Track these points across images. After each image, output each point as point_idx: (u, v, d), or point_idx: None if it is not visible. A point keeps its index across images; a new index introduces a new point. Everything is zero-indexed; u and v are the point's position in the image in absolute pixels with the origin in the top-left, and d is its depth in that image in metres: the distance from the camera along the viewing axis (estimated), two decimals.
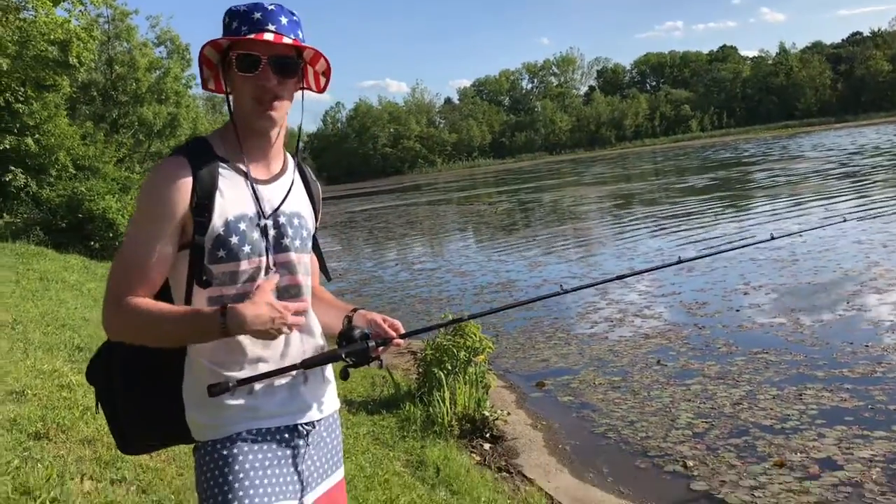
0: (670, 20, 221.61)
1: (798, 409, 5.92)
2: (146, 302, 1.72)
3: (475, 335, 6.55)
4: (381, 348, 1.85)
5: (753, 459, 5.16)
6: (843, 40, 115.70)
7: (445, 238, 22.40)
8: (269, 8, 1.80)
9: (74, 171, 20.45)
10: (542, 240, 18.49)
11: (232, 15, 1.80)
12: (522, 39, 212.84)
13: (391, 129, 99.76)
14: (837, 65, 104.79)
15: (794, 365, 6.92)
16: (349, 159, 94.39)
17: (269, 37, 1.75)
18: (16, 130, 19.98)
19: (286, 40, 1.78)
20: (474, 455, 5.65)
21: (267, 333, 1.69)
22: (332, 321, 1.98)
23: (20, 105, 19.49)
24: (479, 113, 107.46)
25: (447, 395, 6.11)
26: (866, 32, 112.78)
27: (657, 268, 2.88)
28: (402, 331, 1.91)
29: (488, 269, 14.71)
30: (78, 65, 18.23)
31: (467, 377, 6.33)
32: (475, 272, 14.57)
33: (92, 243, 17.04)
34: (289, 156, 1.99)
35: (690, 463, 5.22)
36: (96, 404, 1.94)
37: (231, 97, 1.85)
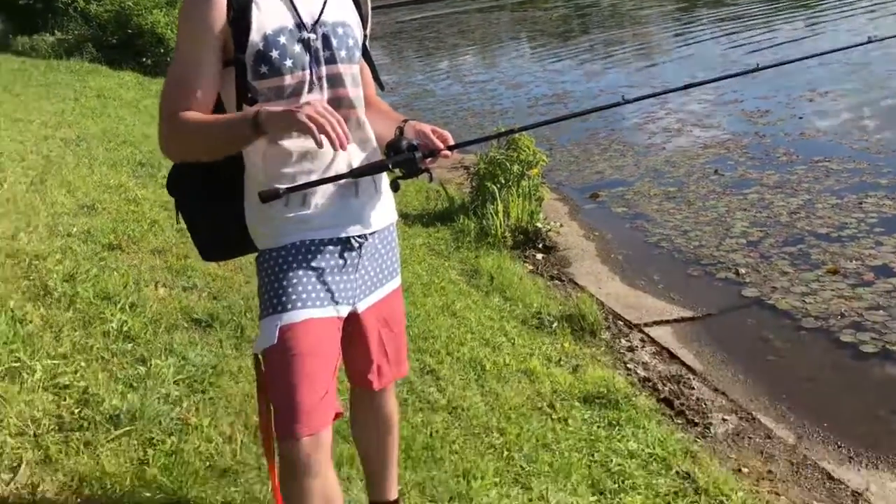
0: None
1: (857, 217, 5.85)
2: (193, 114, 1.73)
3: (528, 148, 6.50)
4: (428, 159, 1.81)
5: (807, 267, 5.19)
6: None
7: (498, 48, 21.70)
8: None
9: None
10: (599, 47, 17.79)
11: None
12: None
13: None
14: None
15: (856, 173, 6.76)
16: None
17: None
18: None
19: None
20: (527, 264, 5.79)
21: (300, 125, 1.60)
22: (386, 131, 1.95)
23: None
24: None
25: (500, 207, 6.16)
26: None
27: (732, 75, 2.63)
28: (451, 142, 1.86)
29: (542, 80, 14.31)
30: None
31: (520, 190, 6.35)
32: (529, 83, 14.20)
33: (144, 59, 16.98)
34: None
35: (742, 270, 5.27)
36: (176, 214, 2.01)
37: None
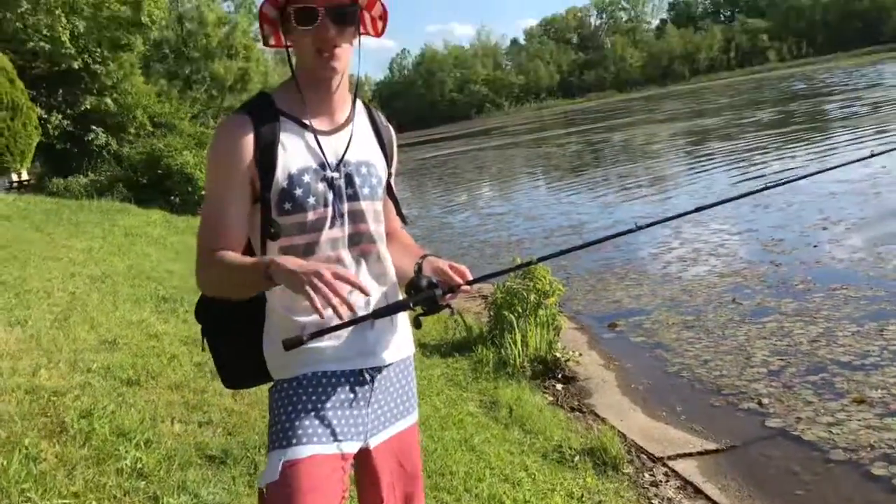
0: None
1: (879, 344, 5.77)
2: (223, 254, 1.80)
3: (545, 278, 6.56)
4: (448, 296, 1.85)
5: (831, 396, 5.09)
6: None
7: (514, 182, 22.29)
8: None
9: (152, 129, 21.04)
10: (612, 180, 18.24)
11: None
12: None
13: (457, 74, 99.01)
14: None
15: (874, 300, 6.73)
16: (417, 106, 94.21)
17: None
18: (95, 91, 20.61)
19: None
20: (547, 395, 5.73)
21: (304, 293, 1.63)
22: (407, 265, 1.98)
23: (98, 66, 20.04)
24: (547, 53, 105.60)
25: (518, 337, 6.17)
26: None
27: (739, 196, 2.68)
28: (469, 277, 1.89)
29: (558, 212, 14.62)
30: (150, 23, 18.62)
31: (538, 319, 6.37)
32: (545, 215, 14.51)
33: (172, 198, 17.58)
34: (358, 103, 2.00)
35: (766, 400, 5.18)
36: (203, 341, 2.05)
37: (291, 51, 1.88)
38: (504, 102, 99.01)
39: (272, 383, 1.92)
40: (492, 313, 6.70)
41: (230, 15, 30.34)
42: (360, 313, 1.81)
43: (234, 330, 1.98)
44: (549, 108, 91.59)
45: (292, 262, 1.68)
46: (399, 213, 2.13)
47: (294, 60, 1.87)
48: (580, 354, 6.48)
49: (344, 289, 1.64)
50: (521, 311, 6.37)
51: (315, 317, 1.78)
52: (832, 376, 5.37)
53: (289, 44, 1.89)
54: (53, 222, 10.94)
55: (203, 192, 1.93)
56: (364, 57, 1.95)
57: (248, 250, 1.89)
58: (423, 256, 1.97)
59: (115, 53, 20.57)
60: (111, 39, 19.42)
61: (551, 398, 5.69)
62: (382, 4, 1.90)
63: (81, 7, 17.38)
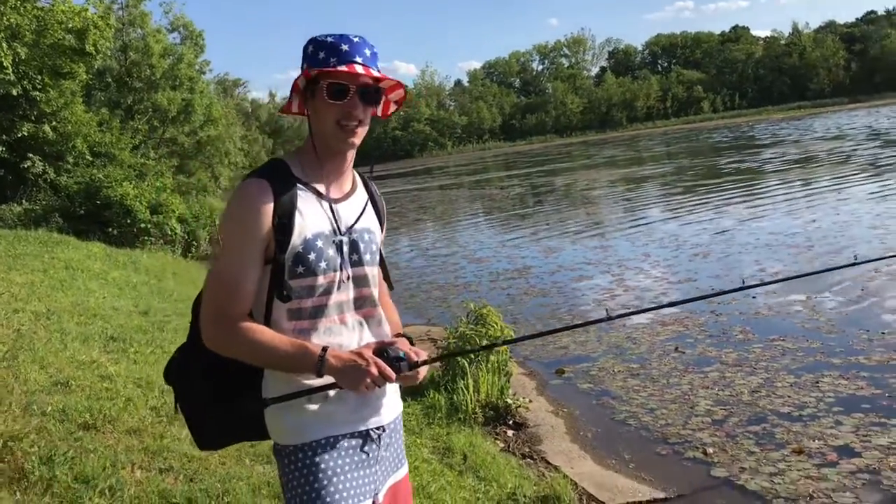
0: (680, 0, 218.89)
1: (815, 396, 6.03)
2: (257, 328, 1.87)
3: (496, 324, 6.69)
4: (410, 371, 1.97)
5: (772, 446, 5.29)
6: (857, 19, 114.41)
7: (459, 223, 22.50)
8: (355, 40, 1.92)
9: (91, 158, 20.60)
10: (555, 224, 18.60)
11: (318, 45, 1.92)
12: (531, 20, 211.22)
13: (401, 113, 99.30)
14: (851, 44, 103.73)
15: (810, 352, 7.03)
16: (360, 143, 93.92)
17: (359, 69, 1.88)
18: (33, 118, 20.11)
19: (374, 73, 1.91)
20: (498, 442, 5.80)
21: (352, 388, 1.88)
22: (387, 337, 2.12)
23: (37, 93, 19.60)
24: (490, 95, 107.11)
25: (470, 382, 6.25)
26: (881, 11, 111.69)
27: (721, 293, 2.85)
28: (425, 356, 2.03)
29: (503, 255, 14.84)
30: (94, 52, 18.36)
31: (489, 365, 6.47)
32: (490, 258, 14.70)
33: (110, 230, 17.23)
34: (356, 173, 2.12)
35: (710, 450, 5.36)
36: (175, 405, 2.08)
37: (310, 120, 1.97)
38: (447, 142, 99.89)
39: (275, 446, 1.97)
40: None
41: (176, 46, 30.06)
42: None
43: (218, 393, 2.01)
44: (491, 150, 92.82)
45: (341, 357, 1.85)
46: (387, 278, 2.22)
47: (314, 129, 1.96)
48: (530, 401, 6.59)
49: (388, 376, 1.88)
50: (473, 356, 6.46)
51: (323, 380, 1.88)
52: (773, 427, 5.58)
53: (308, 113, 1.98)
54: None
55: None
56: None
57: None
58: (399, 335, 2.11)
59: (57, 81, 20.16)
60: (53, 67, 19.05)
61: (503, 444, 5.77)
62: (405, 91, 2.05)
63: (24, 33, 17.05)
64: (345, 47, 1.90)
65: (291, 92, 1.98)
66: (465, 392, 6.17)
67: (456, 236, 19.36)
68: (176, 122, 29.26)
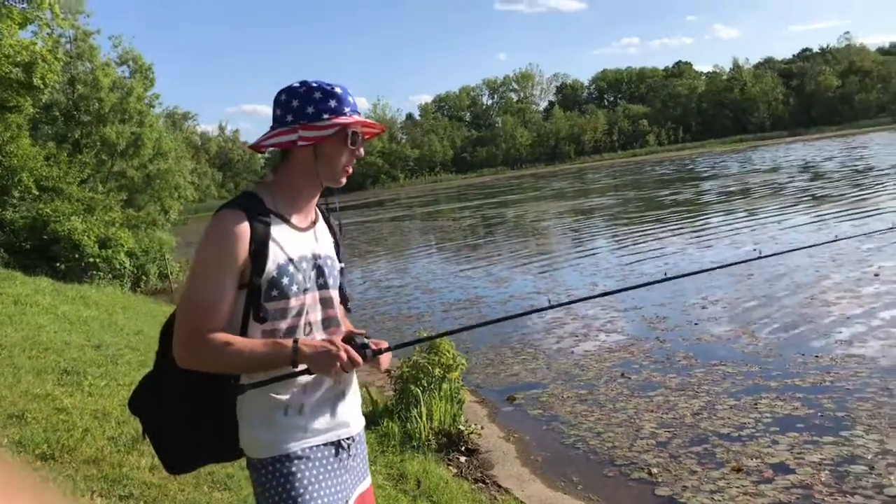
0: (626, 37, 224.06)
1: (754, 417, 6.32)
2: (228, 336, 2.01)
3: (449, 352, 6.85)
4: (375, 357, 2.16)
5: (713, 465, 5.53)
6: (793, 56, 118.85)
7: (411, 254, 22.69)
8: (345, 92, 2.16)
9: (38, 193, 20.32)
10: (506, 255, 18.90)
11: (326, 93, 2.12)
12: (480, 55, 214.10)
13: None
14: (789, 80, 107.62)
15: (749, 376, 7.34)
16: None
17: (364, 119, 2.16)
18: None
19: (377, 124, 2.23)
20: (451, 468, 5.94)
21: (324, 371, 2.03)
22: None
23: None
24: (441, 128, 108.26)
25: (424, 410, 6.39)
26: (816, 49, 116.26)
27: (652, 283, 3.06)
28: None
29: (455, 286, 15.04)
30: (42, 86, 18.19)
31: (442, 393, 6.62)
32: (442, 289, 14.89)
33: (58, 265, 17.02)
34: (315, 206, 2.30)
35: (654, 470, 5.58)
36: (143, 433, 2.20)
37: (302, 157, 2.14)
38: (399, 174, 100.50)
39: (248, 461, 2.10)
40: (397, 387, 6.90)
41: (125, 79, 29.84)
42: (339, 388, 2.18)
43: (197, 411, 2.13)
44: (443, 182, 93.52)
45: (312, 345, 2.01)
46: (344, 301, 2.40)
47: (313, 167, 2.14)
48: (482, 427, 6.75)
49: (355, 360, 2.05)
50: (426, 384, 6.61)
51: (296, 394, 2.04)
52: (713, 447, 5.84)
53: (298, 152, 2.14)
54: None
55: (186, 276, 2.15)
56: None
57: None
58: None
59: (2, 114, 19.92)
60: None
61: (455, 470, 5.91)
62: (382, 131, 2.34)
63: None
64: (350, 98, 2.16)
65: (281, 128, 2.12)
66: (419, 420, 6.31)
67: (408, 267, 19.52)
68: (125, 155, 28.94)
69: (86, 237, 17.71)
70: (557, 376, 8.17)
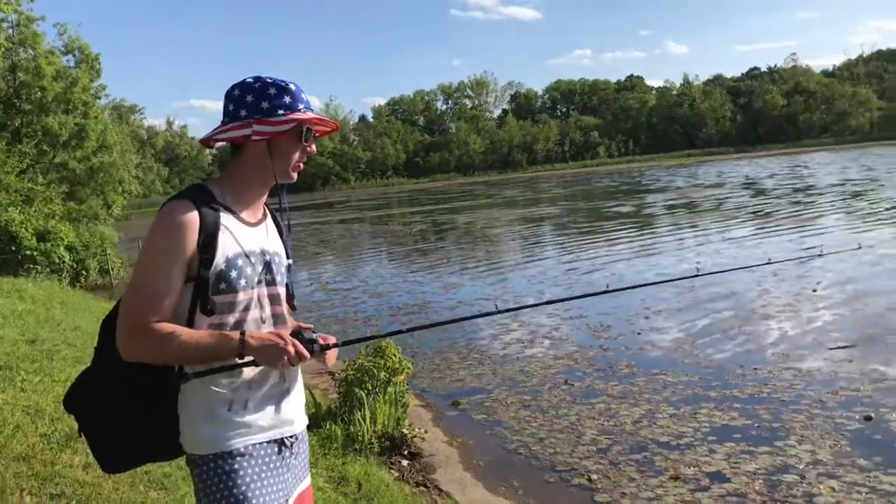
0: (579, 48, 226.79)
1: (692, 426, 6.43)
2: (173, 326, 1.97)
3: (395, 356, 6.82)
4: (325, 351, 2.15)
5: (651, 473, 5.61)
6: (742, 74, 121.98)
7: (360, 258, 22.58)
8: (298, 89, 2.15)
9: None
10: (455, 261, 18.94)
11: (281, 89, 2.10)
12: (435, 60, 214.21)
13: None
14: (737, 97, 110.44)
15: (689, 386, 7.47)
16: None
17: (315, 115, 2.14)
18: None
19: (330, 121, 2.21)
20: (393, 471, 5.91)
21: (271, 364, 2.00)
22: None
23: None
24: (394, 132, 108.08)
25: (367, 413, 6.35)
26: (763, 68, 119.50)
27: (592, 294, 3.12)
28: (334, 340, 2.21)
29: (403, 290, 15.01)
30: None
31: (387, 397, 6.59)
32: (391, 293, 14.85)
33: None
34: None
35: (594, 476, 5.63)
36: (79, 431, 2.14)
37: (255, 152, 2.11)
38: (350, 176, 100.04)
39: (188, 458, 2.06)
40: (341, 390, 6.85)
41: (70, 69, 29.08)
42: (284, 386, 2.16)
43: (134, 407, 2.08)
44: (395, 186, 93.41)
45: (260, 336, 1.99)
46: (290, 299, 2.36)
47: (268, 162, 2.11)
48: (425, 431, 6.73)
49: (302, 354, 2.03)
50: (370, 388, 6.58)
51: (240, 390, 2.03)
52: (653, 455, 5.92)
53: (255, 142, 2.10)
54: None
55: (135, 267, 2.09)
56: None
57: None
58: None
59: None
60: None
61: (397, 474, 5.88)
62: (335, 129, 2.29)
63: None
64: (303, 95, 2.14)
65: (234, 122, 2.09)
66: (362, 423, 6.27)
67: (357, 270, 19.43)
68: (67, 147, 28.23)
69: (23, 229, 17.24)
70: (502, 382, 8.20)
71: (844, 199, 26.10)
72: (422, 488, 5.65)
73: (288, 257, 2.30)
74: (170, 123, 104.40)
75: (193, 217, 2.00)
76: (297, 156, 2.15)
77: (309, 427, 6.21)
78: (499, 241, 23.51)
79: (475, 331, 10.65)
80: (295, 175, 2.18)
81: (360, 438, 6.16)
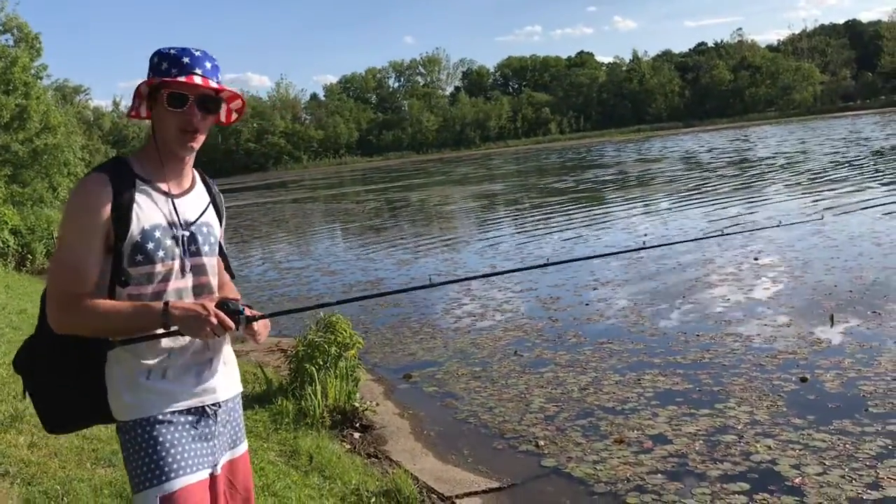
0: (529, 25, 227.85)
1: (636, 392, 6.61)
2: (99, 301, 2.01)
3: (346, 331, 6.87)
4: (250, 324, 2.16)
5: (597, 437, 5.77)
6: (690, 50, 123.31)
7: (313, 236, 22.49)
8: (196, 53, 2.12)
9: None
10: (409, 238, 18.98)
11: (162, 57, 2.10)
12: (387, 37, 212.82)
13: (254, 125, 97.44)
14: (685, 73, 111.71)
15: (634, 353, 7.67)
16: (211, 154, 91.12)
17: (198, 80, 2.07)
18: None
19: (212, 84, 2.11)
20: (345, 444, 5.99)
21: (194, 334, 2.04)
22: None
23: None
24: (346, 110, 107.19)
25: (319, 389, 6.40)
26: (710, 43, 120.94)
27: (527, 268, 3.24)
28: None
29: (357, 268, 15.03)
30: None
31: (338, 371, 6.65)
32: (344, 271, 14.86)
33: None
34: (195, 172, 2.30)
35: (542, 442, 5.78)
36: (24, 392, 2.18)
37: (154, 125, 2.14)
38: (303, 156, 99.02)
39: (118, 425, 2.10)
40: (292, 366, 6.88)
41: (9, 48, 28.23)
42: (206, 356, 2.17)
43: (65, 373, 2.13)
44: (348, 165, 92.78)
45: (183, 307, 2.00)
46: (228, 268, 2.41)
47: (157, 133, 2.13)
48: (377, 404, 6.82)
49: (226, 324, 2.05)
50: (321, 363, 6.63)
51: (160, 358, 2.05)
52: (598, 420, 6.09)
53: (151, 118, 2.14)
54: None
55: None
56: None
57: None
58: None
59: None
60: None
61: (349, 446, 5.96)
62: (243, 101, 2.24)
63: None
64: (186, 60, 2.09)
65: (135, 98, 2.14)
66: (313, 398, 6.32)
67: (310, 249, 19.36)
68: (9, 129, 27.44)
69: None
70: (454, 354, 8.31)
71: (774, 171, 26.74)
72: (373, 459, 5.74)
73: (221, 226, 2.33)
74: (116, 104, 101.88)
75: (106, 190, 2.03)
76: (174, 124, 2.10)
77: (261, 403, 6.27)
78: (452, 218, 23.61)
79: (428, 305, 10.74)
80: (186, 145, 2.13)
81: (311, 413, 6.22)
